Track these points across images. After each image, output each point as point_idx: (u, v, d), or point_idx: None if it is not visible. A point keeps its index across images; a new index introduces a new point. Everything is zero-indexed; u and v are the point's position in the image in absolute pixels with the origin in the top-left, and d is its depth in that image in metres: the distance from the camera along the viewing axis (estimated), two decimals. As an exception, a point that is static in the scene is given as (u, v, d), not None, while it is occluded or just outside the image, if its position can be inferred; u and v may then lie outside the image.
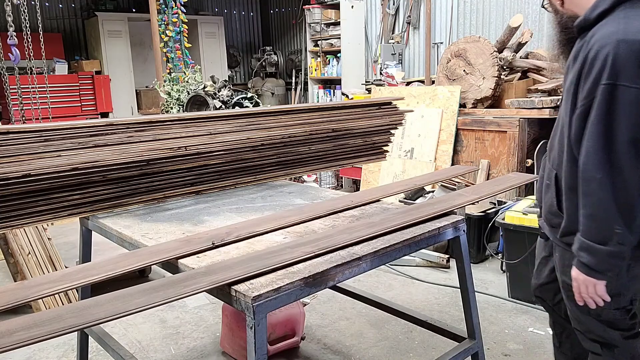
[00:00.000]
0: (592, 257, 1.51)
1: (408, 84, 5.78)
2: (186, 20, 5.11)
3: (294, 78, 9.47)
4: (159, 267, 1.69)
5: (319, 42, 7.61)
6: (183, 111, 3.61)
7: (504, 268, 3.68)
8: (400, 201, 4.17)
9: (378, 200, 2.27)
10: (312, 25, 7.62)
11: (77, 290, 2.71)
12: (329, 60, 7.52)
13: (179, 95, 3.71)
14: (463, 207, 2.63)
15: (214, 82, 3.53)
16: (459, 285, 2.11)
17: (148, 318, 3.28)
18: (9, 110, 4.48)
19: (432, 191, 4.36)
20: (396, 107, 2.83)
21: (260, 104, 3.50)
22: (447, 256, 3.93)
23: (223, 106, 3.40)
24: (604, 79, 1.44)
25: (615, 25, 1.47)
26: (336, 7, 7.13)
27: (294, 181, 3.08)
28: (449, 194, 2.52)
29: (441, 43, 6.20)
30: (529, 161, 4.33)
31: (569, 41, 1.71)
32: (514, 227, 3.32)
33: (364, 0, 7.04)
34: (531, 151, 4.33)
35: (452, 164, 4.72)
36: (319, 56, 7.65)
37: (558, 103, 4.20)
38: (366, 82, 6.83)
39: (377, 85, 5.97)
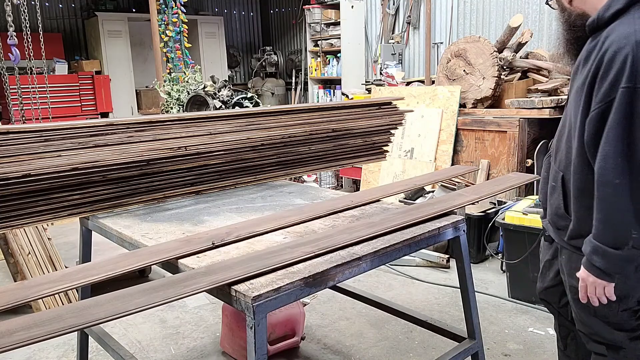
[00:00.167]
0: (606, 260, 1.50)
1: (408, 84, 5.78)
2: (186, 20, 5.11)
3: (294, 78, 9.47)
4: (159, 267, 1.69)
5: (319, 42, 7.61)
6: (183, 111, 3.61)
7: (504, 268, 3.68)
8: (400, 201, 4.17)
9: (378, 200, 2.27)
10: (312, 25, 7.63)
11: (77, 290, 2.71)
12: (329, 60, 7.53)
13: (179, 95, 3.71)
14: (463, 207, 2.63)
15: (214, 82, 3.53)
16: (459, 285, 2.11)
17: (148, 318, 3.28)
18: (9, 110, 4.48)
19: (432, 191, 4.36)
20: (396, 107, 2.83)
21: (260, 104, 3.50)
22: (447, 256, 3.93)
23: (223, 106, 3.40)
24: (623, 82, 1.40)
25: (631, 25, 1.44)
26: (336, 7, 7.14)
27: (294, 181, 3.08)
28: (449, 194, 2.52)
29: (441, 43, 6.20)
30: (529, 161, 4.33)
31: (576, 40, 1.68)
32: (514, 227, 3.32)
33: (364, 0, 7.04)
34: (531, 151, 4.33)
35: (452, 164, 4.72)
36: (319, 56, 7.65)
37: (559, 103, 4.20)
38: (366, 82, 6.83)
39: (377, 85, 5.97)
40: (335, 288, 2.78)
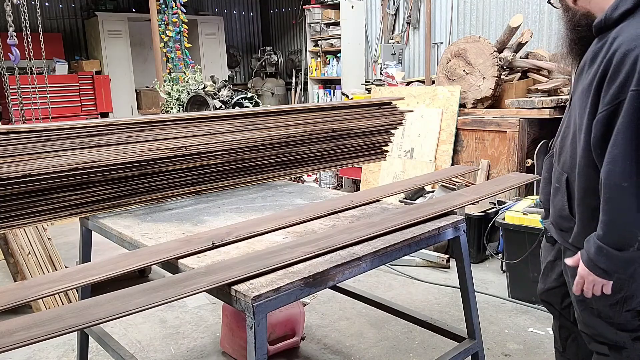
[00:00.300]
0: (610, 261, 1.50)
1: (408, 84, 5.78)
2: (186, 20, 5.11)
3: (294, 78, 9.47)
4: (159, 267, 1.69)
5: (319, 42, 7.61)
6: (183, 111, 3.61)
7: (504, 268, 3.68)
8: (400, 201, 4.17)
9: (378, 200, 2.27)
10: (312, 25, 7.62)
11: (77, 290, 2.71)
12: (329, 60, 7.52)
13: (179, 95, 3.71)
14: (463, 207, 2.63)
15: (214, 82, 3.53)
16: (459, 285, 2.11)
17: (148, 318, 3.28)
18: (9, 110, 4.48)
19: (432, 191, 4.36)
20: (396, 107, 2.83)
21: (260, 104, 3.50)
22: (447, 256, 3.93)
23: (223, 106, 3.40)
24: (633, 84, 1.39)
25: None
26: (336, 7, 7.14)
27: (294, 181, 3.08)
28: (449, 194, 2.52)
29: (441, 43, 6.20)
30: (529, 161, 4.33)
31: (580, 40, 1.66)
32: (514, 227, 3.32)
33: (364, 0, 7.04)
34: (531, 151, 4.33)
35: (452, 164, 4.72)
36: (319, 56, 7.65)
37: (559, 103, 4.20)
38: (366, 82, 6.83)
39: (377, 85, 5.97)
40: (335, 288, 2.78)
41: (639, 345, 1.69)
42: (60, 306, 1.33)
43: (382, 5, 6.94)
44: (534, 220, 3.17)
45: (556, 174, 1.74)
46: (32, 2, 4.49)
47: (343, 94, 6.66)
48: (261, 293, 1.35)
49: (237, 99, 3.46)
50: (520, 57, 4.86)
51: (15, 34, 4.05)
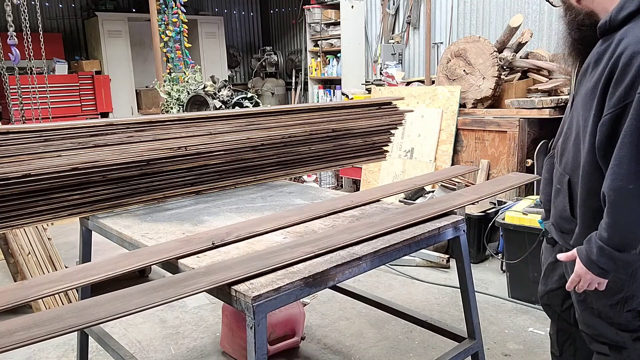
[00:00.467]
0: (610, 262, 1.50)
1: (408, 84, 5.78)
2: (186, 20, 5.11)
3: (294, 78, 9.47)
4: (159, 267, 1.69)
5: (319, 42, 7.61)
6: (183, 111, 3.61)
7: (504, 268, 3.68)
8: (400, 201, 4.17)
9: (378, 200, 2.27)
10: (312, 25, 7.62)
11: (77, 290, 2.71)
12: (329, 60, 7.53)
13: (179, 95, 3.71)
14: (463, 207, 2.63)
15: (214, 82, 3.53)
16: (459, 285, 2.11)
17: (148, 318, 3.28)
18: (9, 110, 4.48)
19: (432, 191, 4.37)
20: (396, 107, 2.83)
21: (260, 104, 3.50)
22: (447, 256, 3.93)
23: (223, 106, 3.40)
24: None
25: None
26: (336, 7, 7.14)
27: (294, 181, 3.08)
28: (449, 194, 2.52)
29: (441, 43, 6.20)
30: (529, 161, 4.33)
31: (582, 40, 1.64)
32: (514, 227, 3.32)
33: (364, 0, 7.04)
34: (531, 151, 4.33)
35: (452, 164, 4.72)
36: (319, 56, 7.65)
37: (559, 103, 4.20)
38: (366, 82, 6.83)
39: (377, 85, 5.97)
40: (335, 288, 2.78)
41: (639, 345, 1.69)
42: (60, 306, 1.33)
43: (382, 5, 6.94)
44: (534, 220, 3.17)
45: (558, 175, 1.73)
46: (32, 2, 4.49)
47: (343, 94, 6.66)
48: (261, 293, 1.35)
49: (237, 99, 3.46)
50: (520, 57, 4.86)
51: (15, 34, 4.05)
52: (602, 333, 1.71)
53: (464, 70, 4.76)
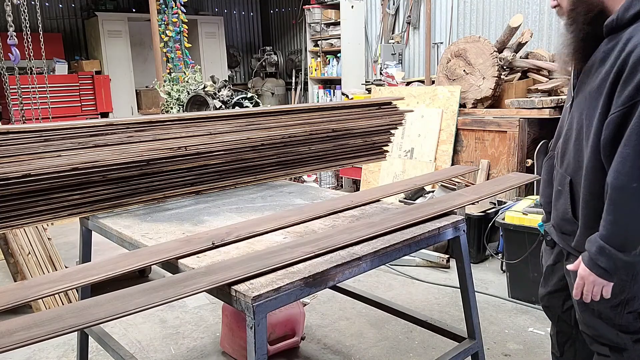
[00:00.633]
0: (612, 262, 1.49)
1: (408, 84, 5.78)
2: (186, 20, 5.11)
3: (294, 78, 9.47)
4: (159, 267, 1.69)
5: (319, 42, 7.61)
6: (183, 111, 3.61)
7: (504, 268, 3.68)
8: (400, 201, 4.17)
9: (378, 200, 2.27)
10: (312, 25, 7.62)
11: (77, 290, 2.71)
12: (329, 60, 7.52)
13: (179, 95, 3.71)
14: (463, 207, 2.63)
15: (214, 82, 3.53)
16: (459, 285, 2.11)
17: (148, 318, 3.28)
18: (9, 110, 4.48)
19: (432, 191, 4.36)
20: (396, 107, 2.83)
21: (260, 104, 3.50)
22: (447, 256, 3.93)
23: (223, 106, 3.40)
24: None
25: None
26: (336, 7, 7.13)
27: (294, 181, 3.08)
28: (449, 194, 2.52)
29: (441, 43, 6.20)
30: (529, 161, 4.33)
31: (584, 39, 1.62)
32: (514, 227, 3.32)
33: (364, 0, 7.04)
34: (531, 151, 4.33)
35: (452, 164, 4.72)
36: (319, 56, 7.65)
37: (559, 103, 4.20)
38: (366, 82, 6.83)
39: (377, 85, 5.97)
40: (335, 288, 2.78)
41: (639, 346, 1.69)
42: (60, 306, 1.33)
43: (382, 5, 6.94)
44: (534, 220, 3.16)
45: (559, 176, 1.72)
46: (32, 2, 4.49)
47: (343, 94, 6.66)
48: (261, 293, 1.35)
49: (237, 99, 3.46)
50: (520, 57, 4.86)
51: (15, 34, 4.05)
52: (603, 334, 1.71)
53: (464, 70, 4.76)
